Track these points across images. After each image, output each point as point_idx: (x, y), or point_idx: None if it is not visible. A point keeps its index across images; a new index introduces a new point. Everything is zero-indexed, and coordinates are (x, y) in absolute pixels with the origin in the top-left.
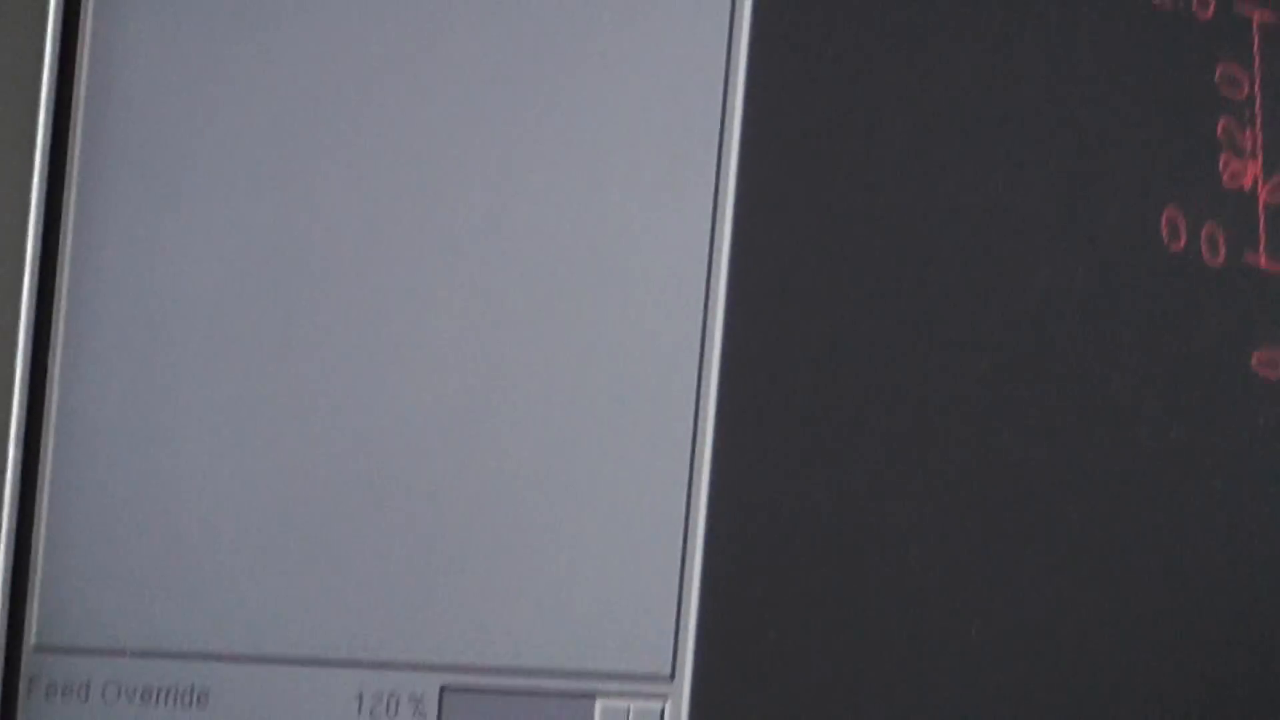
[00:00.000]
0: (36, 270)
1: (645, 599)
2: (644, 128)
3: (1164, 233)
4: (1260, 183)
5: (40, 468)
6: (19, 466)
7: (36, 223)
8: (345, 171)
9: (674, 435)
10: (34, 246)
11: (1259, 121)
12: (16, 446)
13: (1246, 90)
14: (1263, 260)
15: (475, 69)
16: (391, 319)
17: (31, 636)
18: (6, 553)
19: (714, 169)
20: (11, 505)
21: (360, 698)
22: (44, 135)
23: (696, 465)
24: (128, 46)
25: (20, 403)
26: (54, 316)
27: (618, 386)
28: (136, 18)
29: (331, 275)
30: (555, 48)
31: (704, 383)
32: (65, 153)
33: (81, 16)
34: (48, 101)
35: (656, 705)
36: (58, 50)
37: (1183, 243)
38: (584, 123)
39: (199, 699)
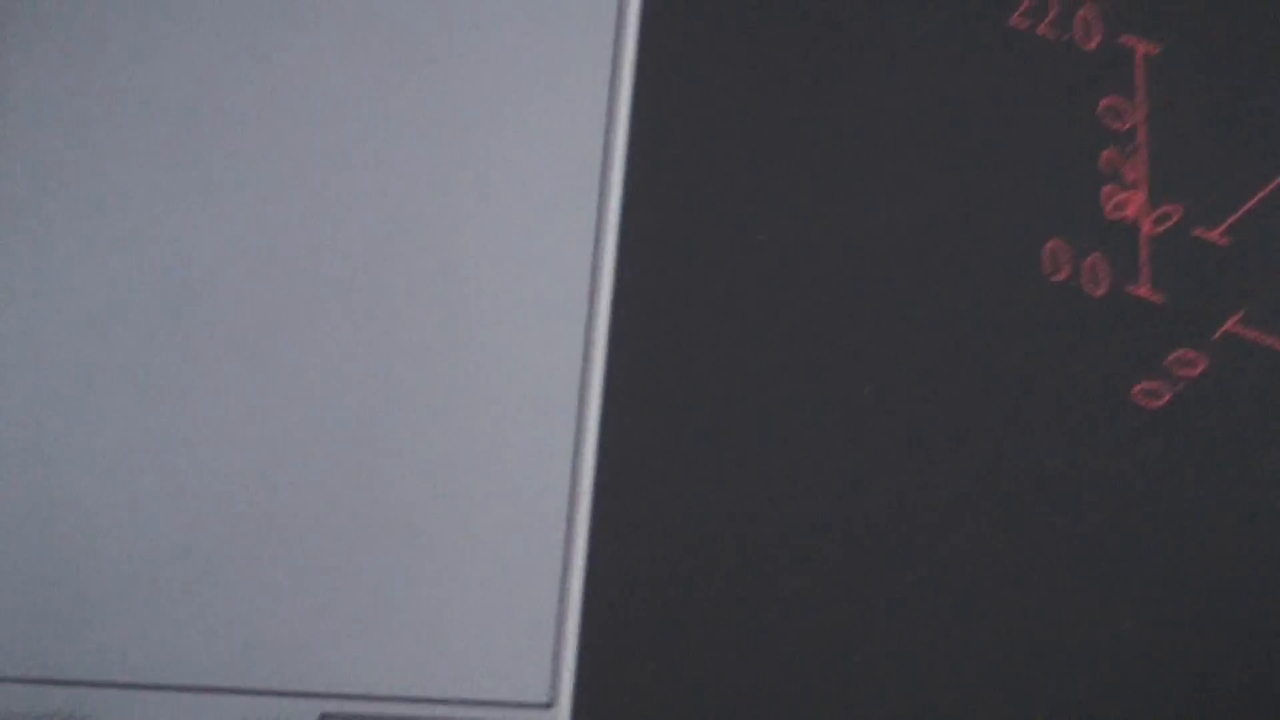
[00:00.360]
0: None
1: (524, 628)
2: (529, 145)
3: (1046, 264)
4: (1143, 214)
5: None
6: None
7: None
8: (224, 191)
9: (554, 463)
10: None
11: (1142, 153)
12: None
13: (1130, 121)
14: (1145, 291)
15: (359, 90)
16: (273, 343)
17: None
18: None
19: (598, 181)
20: None
21: None
22: None
23: (576, 493)
24: (17, 61)
25: None
26: None
27: (497, 413)
28: (26, 36)
29: (211, 296)
30: (442, 60)
31: (584, 411)
32: None
33: None
34: None
35: None
36: None
37: (1065, 273)
38: (469, 137)
39: None
